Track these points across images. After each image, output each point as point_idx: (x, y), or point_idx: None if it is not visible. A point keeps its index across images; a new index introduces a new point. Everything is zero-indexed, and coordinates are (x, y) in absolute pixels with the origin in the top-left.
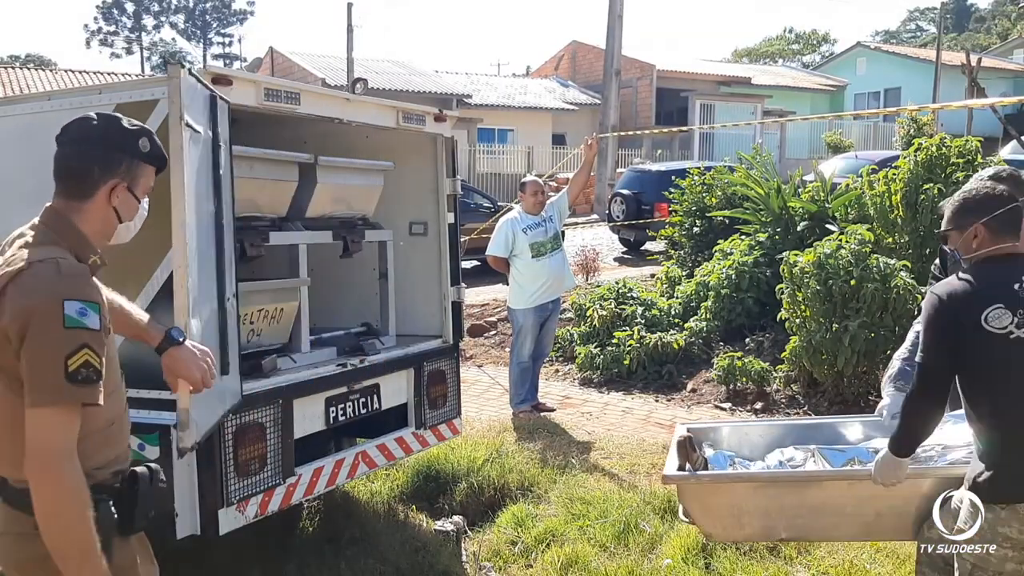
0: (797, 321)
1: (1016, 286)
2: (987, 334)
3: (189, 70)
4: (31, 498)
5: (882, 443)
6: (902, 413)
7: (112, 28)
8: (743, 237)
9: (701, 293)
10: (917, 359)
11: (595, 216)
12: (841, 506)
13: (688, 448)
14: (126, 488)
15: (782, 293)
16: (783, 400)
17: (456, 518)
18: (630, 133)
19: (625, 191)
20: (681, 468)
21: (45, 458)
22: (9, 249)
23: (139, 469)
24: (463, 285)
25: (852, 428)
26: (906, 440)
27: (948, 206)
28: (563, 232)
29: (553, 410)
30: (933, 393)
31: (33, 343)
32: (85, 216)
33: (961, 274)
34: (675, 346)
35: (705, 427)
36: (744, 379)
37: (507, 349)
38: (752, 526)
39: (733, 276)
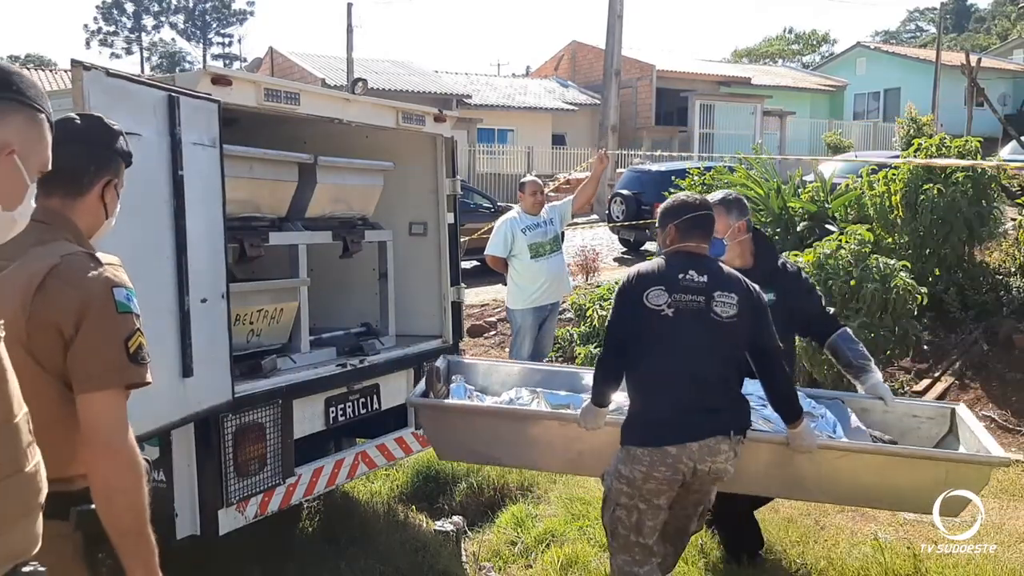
0: None
1: (681, 276)
2: (646, 308)
3: (107, 71)
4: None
5: None
6: (594, 368)
7: (112, 28)
8: None
9: None
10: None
11: (595, 216)
12: (551, 442)
13: (435, 378)
14: None
15: None
16: None
17: (456, 518)
18: (650, 154)
19: (625, 191)
20: (425, 395)
21: (114, 438)
22: (6, 248)
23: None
24: (463, 285)
25: (588, 378)
26: (599, 391)
27: (659, 209)
28: (563, 233)
29: None
30: (614, 350)
31: (92, 330)
32: (79, 213)
33: (653, 260)
34: None
35: (463, 362)
36: None
37: (507, 349)
38: (475, 451)
39: None
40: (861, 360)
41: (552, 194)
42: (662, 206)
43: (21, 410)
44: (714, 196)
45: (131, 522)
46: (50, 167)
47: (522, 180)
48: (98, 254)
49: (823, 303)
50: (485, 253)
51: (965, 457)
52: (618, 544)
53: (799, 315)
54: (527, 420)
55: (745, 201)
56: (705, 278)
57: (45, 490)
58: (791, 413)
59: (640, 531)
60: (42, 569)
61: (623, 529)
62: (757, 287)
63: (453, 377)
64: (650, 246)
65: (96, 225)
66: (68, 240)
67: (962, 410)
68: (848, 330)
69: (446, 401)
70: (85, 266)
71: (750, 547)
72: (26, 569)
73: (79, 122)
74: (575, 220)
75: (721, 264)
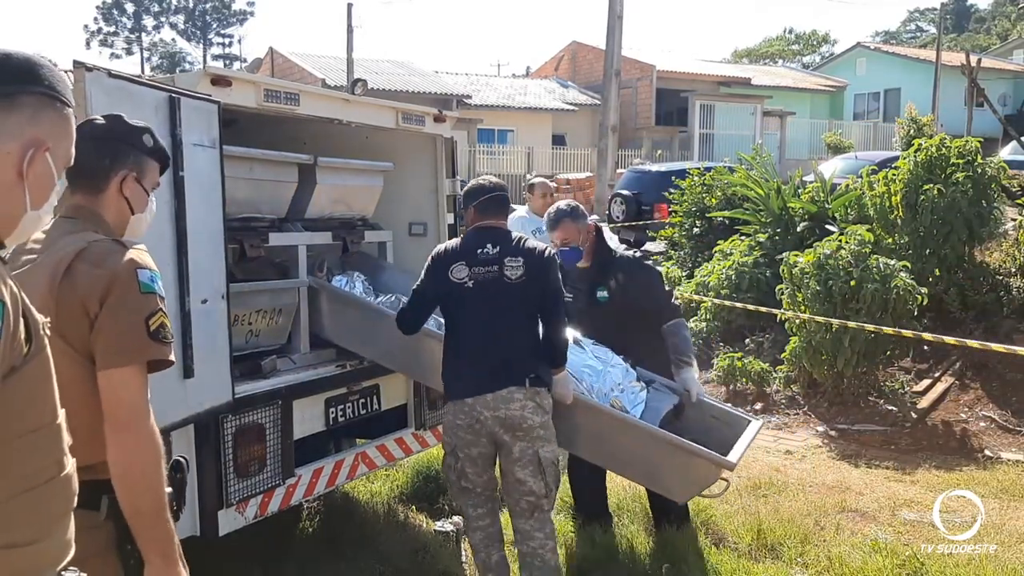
0: (797, 322)
1: (479, 251)
2: (451, 282)
3: (108, 72)
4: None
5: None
6: (397, 315)
7: (112, 28)
8: (743, 238)
9: (701, 294)
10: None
11: (595, 217)
12: (388, 339)
13: (318, 268)
14: (171, 476)
15: (782, 294)
16: (783, 400)
17: (456, 518)
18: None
19: (625, 192)
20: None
21: (134, 414)
22: (32, 243)
23: (180, 458)
24: None
25: None
26: (401, 326)
27: (462, 193)
28: None
29: None
30: (412, 306)
31: (115, 307)
32: (103, 208)
33: (458, 238)
34: None
35: (370, 259)
36: (744, 380)
37: None
38: (338, 335)
39: (733, 277)
40: (681, 354)
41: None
42: (464, 190)
43: (62, 412)
44: (560, 206)
45: (149, 502)
46: (72, 163)
47: (531, 181)
48: (124, 239)
49: (665, 295)
50: None
51: (692, 449)
52: (452, 489)
53: (636, 306)
54: (374, 316)
55: (580, 208)
56: (497, 249)
57: (77, 493)
58: (555, 359)
59: (464, 476)
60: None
61: (453, 475)
62: (545, 250)
63: (352, 272)
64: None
65: (122, 220)
66: (95, 231)
67: (754, 424)
68: (681, 322)
69: (328, 285)
70: (111, 249)
71: (676, 516)
72: (68, 575)
73: (101, 122)
74: None
75: (510, 233)
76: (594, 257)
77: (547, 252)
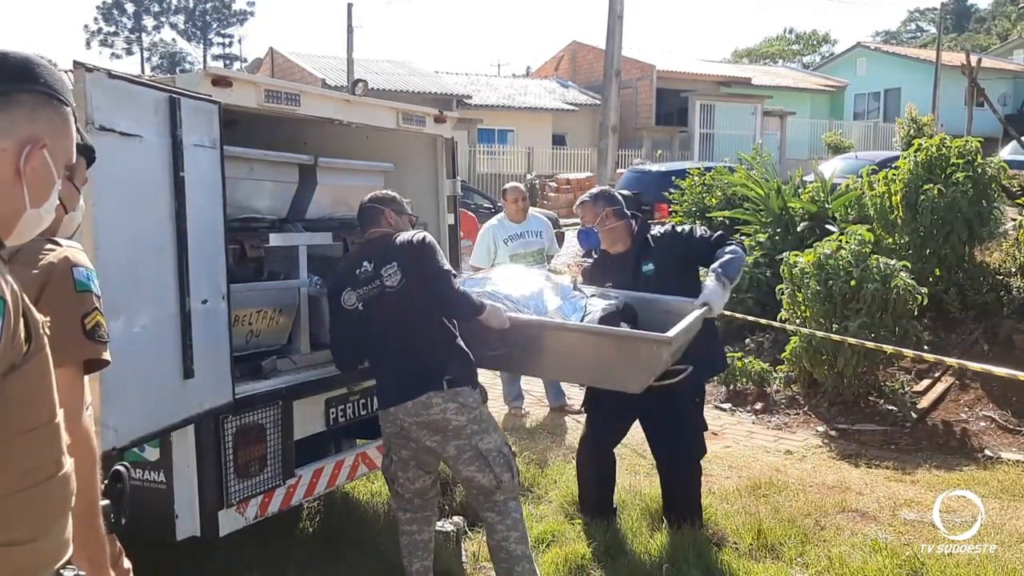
0: (797, 321)
1: (358, 271)
2: (347, 311)
3: (109, 72)
4: None
5: None
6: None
7: (112, 28)
8: (743, 238)
9: None
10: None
11: None
12: None
13: None
14: (111, 486)
15: (782, 294)
16: (783, 400)
17: (456, 518)
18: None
19: (625, 191)
20: None
21: (68, 415)
22: None
23: (120, 467)
24: None
25: None
26: (340, 367)
27: None
28: (550, 258)
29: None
30: (338, 348)
31: (48, 308)
32: None
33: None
34: None
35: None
36: (744, 379)
37: None
38: None
39: None
40: (719, 266)
41: (553, 194)
42: None
43: (61, 411)
44: (591, 191)
45: (80, 505)
46: (73, 161)
47: (504, 186)
48: (59, 239)
49: (707, 235)
50: (470, 263)
51: (627, 334)
52: (390, 490)
53: (688, 261)
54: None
55: (615, 193)
56: (372, 264)
57: (75, 492)
58: (471, 316)
59: (395, 481)
60: (82, 573)
61: (388, 476)
62: (413, 237)
63: None
64: None
65: (56, 220)
66: None
67: (697, 309)
68: (730, 247)
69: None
70: (44, 249)
71: (682, 510)
72: (67, 573)
73: None
74: (576, 220)
75: (381, 240)
76: (633, 238)
77: (415, 239)
